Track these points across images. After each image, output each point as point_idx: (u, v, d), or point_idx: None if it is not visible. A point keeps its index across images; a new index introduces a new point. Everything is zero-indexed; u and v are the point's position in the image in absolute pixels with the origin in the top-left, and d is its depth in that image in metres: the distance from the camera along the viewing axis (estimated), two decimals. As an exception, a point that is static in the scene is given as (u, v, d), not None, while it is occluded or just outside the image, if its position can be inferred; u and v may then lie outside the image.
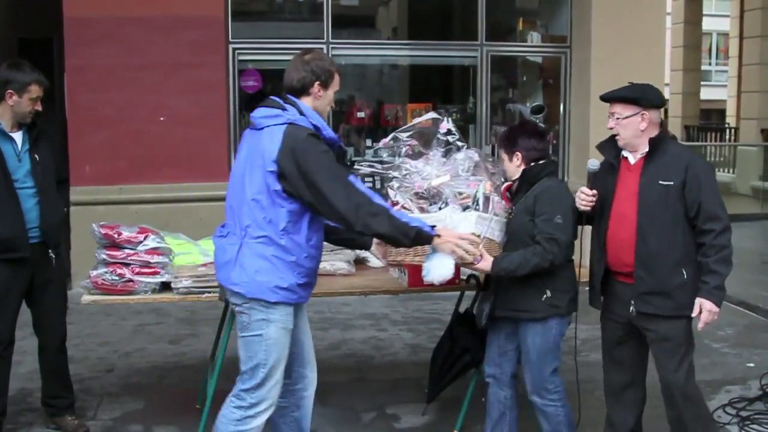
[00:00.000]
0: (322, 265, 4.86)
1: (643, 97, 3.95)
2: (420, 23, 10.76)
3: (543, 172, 4.11)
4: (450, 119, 4.40)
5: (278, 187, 3.56)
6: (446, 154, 4.27)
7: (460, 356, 4.78)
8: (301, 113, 3.66)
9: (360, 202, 3.55)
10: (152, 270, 4.46)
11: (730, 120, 22.58)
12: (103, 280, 4.41)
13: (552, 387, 4.21)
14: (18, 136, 4.58)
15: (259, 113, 3.72)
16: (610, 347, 4.26)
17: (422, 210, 4.15)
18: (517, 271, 3.93)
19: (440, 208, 4.07)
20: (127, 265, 4.44)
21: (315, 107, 3.75)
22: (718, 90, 29.10)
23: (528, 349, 4.17)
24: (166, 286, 4.50)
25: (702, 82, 22.45)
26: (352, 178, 3.66)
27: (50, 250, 4.68)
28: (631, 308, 3.96)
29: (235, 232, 3.68)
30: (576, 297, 4.15)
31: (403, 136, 4.35)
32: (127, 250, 4.46)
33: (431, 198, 4.13)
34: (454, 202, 4.07)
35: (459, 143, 4.29)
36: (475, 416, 5.04)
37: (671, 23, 20.61)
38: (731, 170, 16.78)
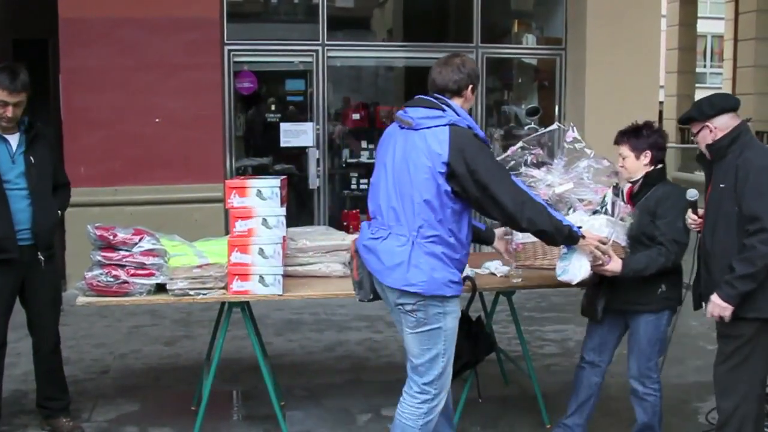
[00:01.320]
0: (317, 266, 4.89)
1: (698, 112, 4.05)
2: (415, 25, 10.76)
3: (662, 175, 4.35)
4: (575, 128, 4.56)
5: (448, 188, 3.65)
6: (568, 162, 4.45)
7: (458, 358, 4.77)
8: (456, 114, 3.76)
9: (525, 200, 3.69)
10: (147, 271, 4.45)
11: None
12: (98, 281, 4.40)
13: (654, 376, 4.40)
14: (14, 138, 4.57)
15: (417, 114, 3.76)
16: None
17: None
18: (645, 270, 4.17)
19: (567, 214, 4.25)
20: (122, 266, 4.43)
21: (462, 108, 3.87)
22: (712, 92, 29.07)
23: (640, 338, 4.35)
24: (161, 288, 4.49)
25: (697, 85, 22.43)
26: (513, 176, 3.81)
27: (39, 253, 4.65)
28: (703, 305, 4.11)
29: (402, 233, 3.71)
30: (681, 289, 4.39)
31: (529, 144, 4.52)
32: (122, 252, 4.45)
33: (555, 205, 4.26)
34: (580, 207, 4.30)
35: (587, 150, 4.45)
36: (471, 417, 5.05)
37: (666, 25, 20.62)
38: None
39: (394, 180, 3.76)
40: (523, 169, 4.48)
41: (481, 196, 3.65)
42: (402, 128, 3.80)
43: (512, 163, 4.50)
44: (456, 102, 3.84)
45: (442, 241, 3.70)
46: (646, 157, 4.31)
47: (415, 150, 3.68)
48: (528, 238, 4.57)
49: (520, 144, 4.53)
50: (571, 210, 4.31)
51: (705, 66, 34.59)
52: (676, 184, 4.57)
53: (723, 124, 3.99)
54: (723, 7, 22.31)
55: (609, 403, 5.38)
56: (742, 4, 17.80)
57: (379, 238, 3.78)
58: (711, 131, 3.99)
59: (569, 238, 3.88)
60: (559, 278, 4.19)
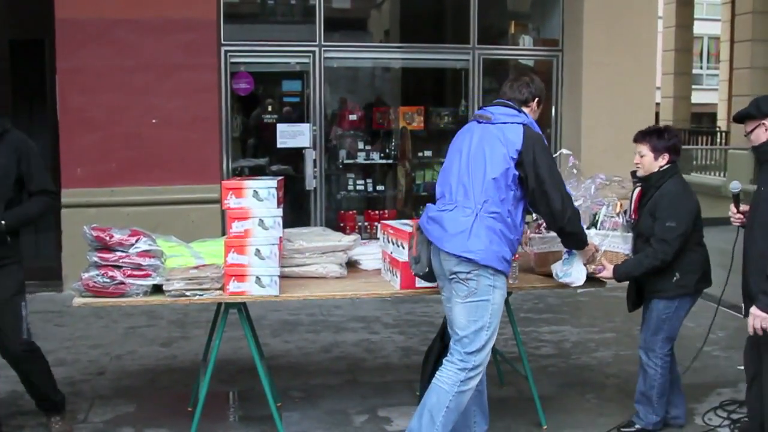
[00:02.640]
0: (313, 267, 4.90)
1: (757, 110, 4.14)
2: (412, 26, 10.77)
3: (665, 177, 4.61)
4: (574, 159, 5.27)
5: (516, 172, 4.09)
6: (574, 184, 4.97)
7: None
8: (528, 118, 4.28)
9: (568, 203, 4.20)
10: (144, 272, 4.44)
11: (721, 123, 22.66)
12: (95, 282, 4.40)
13: (659, 351, 4.71)
14: None
15: (499, 111, 4.25)
16: (747, 343, 4.47)
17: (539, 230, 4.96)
18: (633, 272, 4.60)
19: None
20: (118, 267, 4.42)
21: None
22: (709, 94, 29.18)
23: (651, 314, 4.72)
24: (157, 289, 4.49)
25: (693, 86, 22.49)
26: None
27: None
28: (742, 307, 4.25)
29: (468, 206, 4.07)
30: (706, 276, 4.70)
31: None
32: (118, 253, 4.44)
33: None
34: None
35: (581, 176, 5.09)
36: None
37: (662, 27, 20.65)
38: (722, 174, 16.84)
39: (468, 161, 4.16)
40: None
41: (536, 189, 4.09)
42: (480, 123, 4.25)
43: None
44: (524, 109, 4.32)
45: (502, 219, 4.08)
46: (664, 159, 4.64)
47: (491, 137, 4.15)
48: (544, 247, 4.90)
49: None
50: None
51: (701, 68, 34.62)
52: (681, 180, 4.70)
53: None
54: (719, 8, 22.36)
55: (607, 404, 5.39)
56: (739, 6, 17.83)
57: (446, 209, 4.15)
58: (766, 130, 4.08)
59: (584, 243, 4.45)
60: (561, 280, 4.62)
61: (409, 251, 4.36)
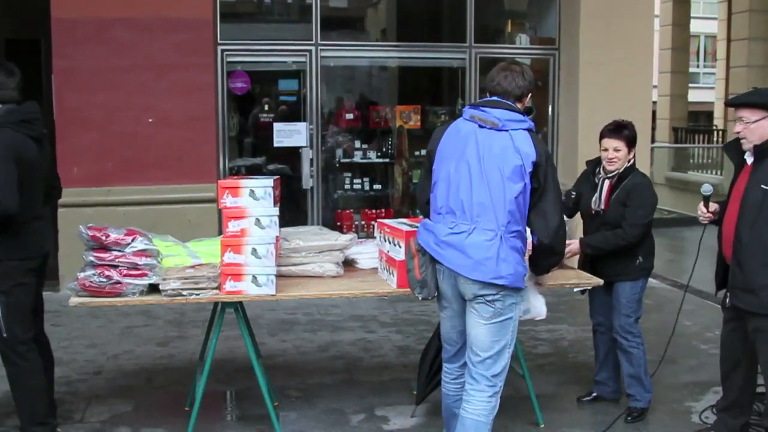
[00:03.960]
0: (310, 267, 4.89)
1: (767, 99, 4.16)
2: (409, 25, 10.77)
3: (632, 169, 5.00)
4: None
5: (530, 185, 3.88)
6: None
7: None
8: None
9: (562, 223, 4.01)
10: (140, 272, 4.44)
11: (718, 122, 22.66)
12: (91, 282, 4.39)
13: (635, 331, 5.06)
14: None
15: (503, 115, 3.91)
16: (725, 329, 4.59)
17: None
18: (602, 247, 4.93)
19: None
20: (114, 267, 4.41)
21: None
22: (706, 92, 29.18)
23: (620, 301, 5.05)
24: (154, 288, 4.48)
25: (690, 85, 22.46)
26: None
27: None
28: (727, 299, 4.35)
29: (490, 228, 3.84)
30: (654, 259, 5.12)
31: None
32: (114, 252, 4.43)
33: None
34: None
35: None
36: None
37: (659, 25, 20.64)
38: (719, 172, 16.84)
39: (482, 176, 3.87)
40: None
41: (540, 202, 3.91)
42: (482, 127, 3.93)
43: None
44: (518, 106, 4.05)
45: (521, 236, 3.95)
46: (632, 152, 5.01)
47: (504, 147, 3.86)
48: None
49: None
50: None
51: (698, 66, 34.61)
52: (642, 173, 5.09)
53: None
54: (716, 7, 22.36)
55: (603, 403, 5.40)
56: (735, 4, 17.84)
57: (463, 232, 3.88)
58: None
59: (557, 263, 4.35)
60: (526, 317, 4.51)
61: (409, 273, 4.12)
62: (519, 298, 4.01)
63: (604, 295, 5.16)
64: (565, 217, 4.24)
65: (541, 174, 3.87)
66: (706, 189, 4.58)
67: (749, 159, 4.27)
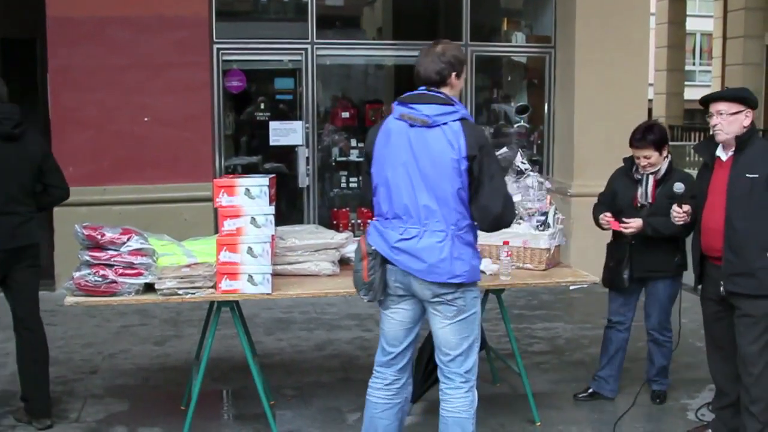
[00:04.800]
0: (306, 265, 4.89)
1: (749, 97, 4.39)
2: (405, 23, 10.75)
3: (672, 165, 5.18)
4: (522, 153, 5.54)
5: (468, 178, 3.79)
6: (518, 178, 5.28)
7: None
8: (463, 108, 3.90)
9: (509, 205, 3.90)
10: (136, 271, 4.44)
11: (714, 120, 22.68)
12: (86, 281, 4.39)
13: (669, 326, 5.33)
14: None
15: (431, 111, 3.79)
16: (709, 323, 4.71)
17: None
18: (660, 230, 4.98)
19: (518, 223, 5.09)
20: (110, 266, 4.41)
21: (452, 96, 3.92)
22: (701, 90, 29.06)
23: (660, 297, 5.24)
24: (149, 288, 4.48)
25: (686, 82, 22.55)
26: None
27: None
28: (721, 288, 4.41)
29: (439, 228, 3.79)
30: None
31: None
32: (110, 251, 4.43)
33: None
34: (527, 217, 5.17)
35: (531, 172, 5.32)
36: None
37: (655, 23, 20.69)
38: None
39: (422, 178, 3.79)
40: None
41: (479, 189, 3.79)
42: (413, 126, 3.82)
43: None
44: (444, 91, 3.88)
45: (472, 228, 3.91)
46: (665, 151, 5.12)
47: (438, 146, 3.76)
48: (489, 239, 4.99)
49: None
50: (521, 219, 5.12)
51: (694, 64, 34.70)
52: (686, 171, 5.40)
53: (751, 117, 4.38)
54: (712, 5, 22.41)
55: (601, 401, 5.40)
56: (731, 2, 17.89)
57: (414, 237, 3.82)
58: (746, 118, 4.33)
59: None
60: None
61: (356, 274, 4.01)
62: (478, 290, 4.02)
63: (632, 294, 5.31)
64: (512, 195, 4.15)
65: (476, 166, 3.76)
66: (678, 187, 4.77)
67: (722, 155, 4.44)
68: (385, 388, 4.14)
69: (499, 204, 3.80)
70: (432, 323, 3.99)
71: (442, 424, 4.01)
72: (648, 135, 5.07)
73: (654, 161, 5.07)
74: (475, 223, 3.91)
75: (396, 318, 4.04)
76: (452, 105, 3.81)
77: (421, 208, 3.79)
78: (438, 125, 3.77)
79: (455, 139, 3.74)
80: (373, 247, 3.92)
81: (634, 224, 5.04)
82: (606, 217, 5.14)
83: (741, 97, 4.36)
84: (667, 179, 5.07)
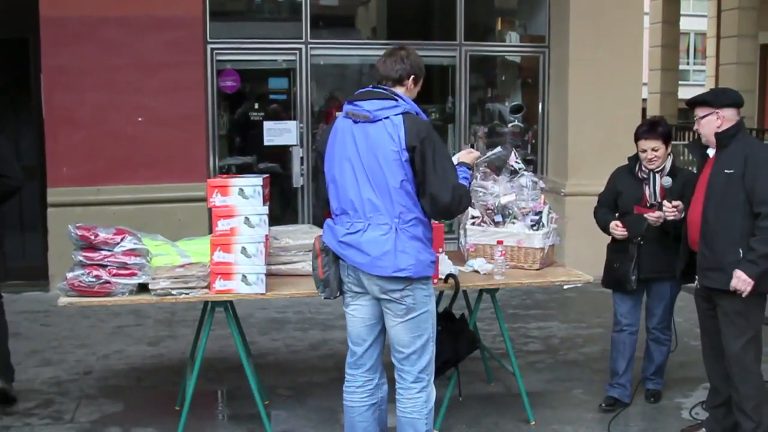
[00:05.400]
0: (300, 265, 4.89)
1: (714, 99, 4.49)
2: (399, 23, 10.74)
3: (674, 164, 5.14)
4: (516, 152, 5.47)
5: (412, 170, 3.82)
6: (512, 178, 5.28)
7: (439, 355, 4.78)
8: (406, 102, 3.95)
9: (457, 194, 3.88)
10: (129, 271, 4.43)
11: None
12: (80, 281, 4.38)
13: (670, 326, 5.31)
14: None
15: (373, 106, 3.88)
16: (701, 321, 4.75)
17: (496, 224, 5.15)
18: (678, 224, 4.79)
19: (513, 222, 5.14)
20: (103, 266, 4.40)
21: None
22: (695, 90, 29.06)
23: (666, 297, 5.23)
24: (143, 288, 4.47)
25: (680, 82, 22.53)
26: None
27: None
28: (696, 282, 4.54)
29: (383, 222, 3.83)
30: None
31: (481, 164, 5.23)
32: (103, 252, 4.43)
33: (500, 212, 5.17)
34: (521, 216, 5.15)
35: (525, 172, 5.33)
36: (455, 415, 5.05)
37: (649, 23, 20.69)
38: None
39: (365, 172, 3.86)
40: (474, 183, 5.12)
41: (426, 179, 3.81)
42: (357, 122, 3.91)
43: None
44: (398, 90, 3.98)
45: (420, 222, 3.89)
46: (669, 146, 5.12)
47: (380, 140, 3.83)
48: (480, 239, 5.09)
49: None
50: (515, 219, 5.14)
51: (688, 63, 34.72)
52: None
53: (729, 115, 4.43)
54: (706, 4, 22.45)
55: (595, 400, 5.40)
56: (725, 2, 17.92)
57: (358, 231, 3.87)
58: (718, 118, 4.40)
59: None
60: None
61: (313, 272, 4.13)
62: (431, 287, 3.99)
63: (639, 295, 5.27)
64: (467, 185, 4.15)
65: (417, 157, 3.79)
66: (666, 181, 4.89)
67: (711, 152, 4.54)
68: (357, 391, 4.19)
69: (447, 194, 3.82)
70: (385, 322, 4.03)
71: (398, 425, 4.08)
72: (657, 127, 5.08)
73: (661, 154, 5.05)
74: (427, 218, 3.94)
75: (356, 315, 4.09)
76: (395, 100, 3.90)
77: (365, 202, 3.85)
78: (380, 119, 3.85)
79: (395, 132, 3.80)
80: (325, 244, 4.00)
81: (677, 207, 4.72)
82: (619, 228, 5.08)
83: (703, 101, 4.51)
84: (676, 179, 5.03)
